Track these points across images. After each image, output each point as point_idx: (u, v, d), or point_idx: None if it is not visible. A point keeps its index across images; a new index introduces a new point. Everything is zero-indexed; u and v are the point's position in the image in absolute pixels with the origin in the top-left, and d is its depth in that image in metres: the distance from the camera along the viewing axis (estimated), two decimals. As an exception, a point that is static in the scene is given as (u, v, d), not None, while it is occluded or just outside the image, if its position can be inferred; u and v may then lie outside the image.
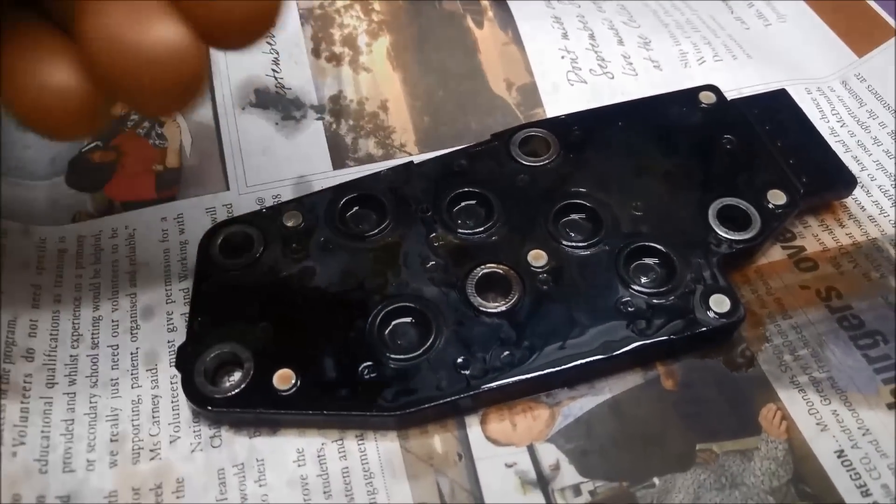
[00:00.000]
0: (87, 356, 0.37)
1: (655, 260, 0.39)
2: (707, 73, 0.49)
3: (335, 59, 0.49)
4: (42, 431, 0.35)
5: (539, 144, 0.43)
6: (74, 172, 0.44)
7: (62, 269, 0.40)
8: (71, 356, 0.37)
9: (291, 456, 0.35)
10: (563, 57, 0.49)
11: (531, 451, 0.35)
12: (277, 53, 0.49)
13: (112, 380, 0.36)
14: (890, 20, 0.50)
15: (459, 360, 0.35)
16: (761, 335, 0.38)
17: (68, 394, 0.36)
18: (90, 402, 0.36)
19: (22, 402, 0.35)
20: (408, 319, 0.37)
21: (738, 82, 0.48)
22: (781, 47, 0.51)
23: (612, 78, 0.48)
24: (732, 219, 0.40)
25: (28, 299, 0.39)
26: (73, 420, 0.35)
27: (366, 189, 0.41)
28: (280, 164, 0.44)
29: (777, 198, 0.40)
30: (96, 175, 0.44)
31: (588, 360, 0.36)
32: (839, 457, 0.34)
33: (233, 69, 0.48)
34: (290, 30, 0.51)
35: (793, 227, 0.42)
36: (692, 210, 0.40)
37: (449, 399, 0.35)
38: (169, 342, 0.38)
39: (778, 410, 0.35)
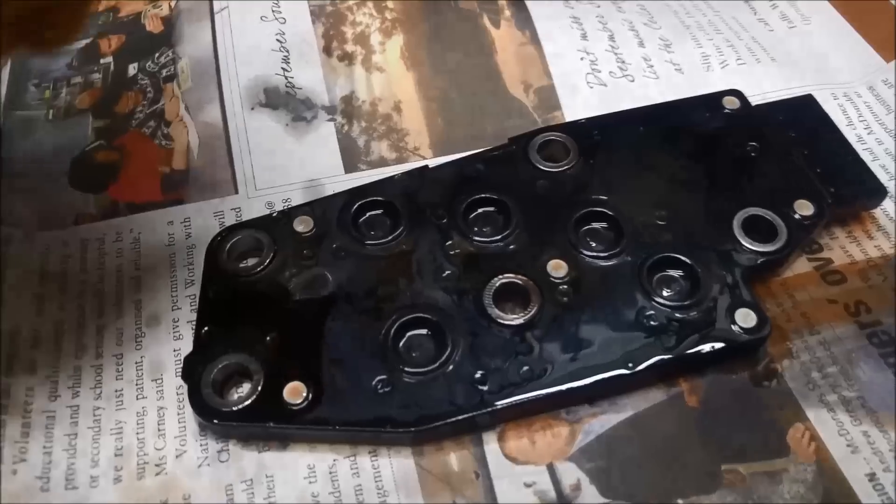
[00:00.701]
0: (91, 367, 0.36)
1: (679, 272, 0.37)
2: (730, 76, 0.48)
3: (347, 57, 0.48)
4: (44, 447, 0.34)
5: (558, 149, 0.42)
6: (77, 172, 0.43)
7: (66, 276, 0.39)
8: (75, 367, 0.36)
9: (302, 472, 0.33)
10: (582, 59, 0.48)
11: (551, 469, 0.34)
12: (287, 52, 0.48)
13: (116, 391, 0.35)
14: (918, 25, 0.49)
15: (477, 374, 0.34)
16: (787, 351, 0.37)
17: (71, 407, 0.35)
18: (94, 415, 0.35)
19: (24, 417, 0.34)
20: (423, 331, 0.36)
21: (762, 87, 0.47)
22: (806, 51, 0.50)
23: (633, 81, 0.47)
24: (758, 230, 0.38)
25: (31, 309, 0.38)
26: (76, 434, 0.34)
27: (379, 194, 0.40)
28: (290, 167, 0.43)
29: (804, 208, 0.39)
30: (100, 175, 0.43)
31: (609, 374, 0.35)
32: (870, 480, 0.33)
33: (241, 68, 0.47)
34: (300, 27, 0.49)
35: (819, 238, 0.40)
36: (716, 220, 0.39)
37: (466, 415, 0.34)
38: (175, 351, 0.36)
39: (806, 430, 0.34)
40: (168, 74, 0.48)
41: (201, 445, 0.34)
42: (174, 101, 0.46)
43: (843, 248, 0.40)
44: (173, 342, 0.37)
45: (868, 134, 0.45)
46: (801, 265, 0.40)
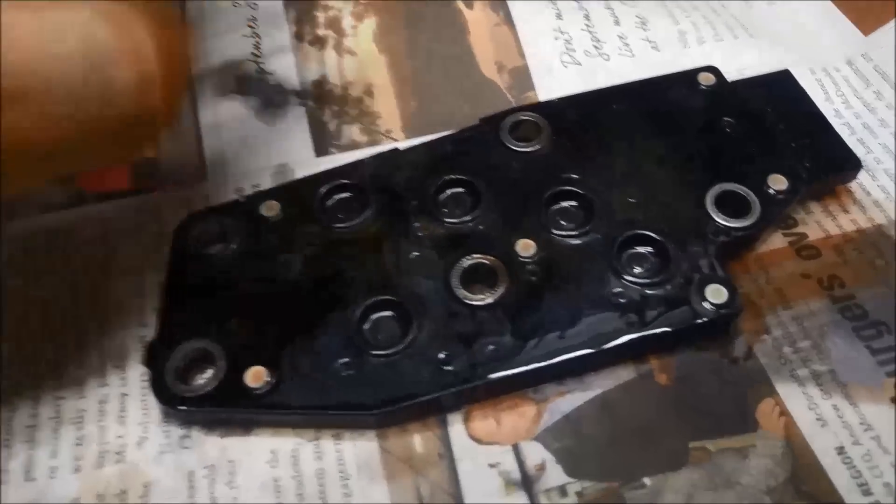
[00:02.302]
0: (53, 358, 0.36)
1: (650, 249, 0.37)
2: (707, 53, 0.47)
3: (319, 42, 0.48)
4: (5, 440, 0.33)
5: (530, 129, 0.41)
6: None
7: (35, 264, 0.39)
8: (36, 357, 0.36)
9: (264, 457, 0.33)
10: (556, 38, 0.48)
11: (516, 450, 0.33)
12: (259, 38, 0.48)
13: (78, 379, 0.35)
14: (898, -3, 0.49)
15: (442, 355, 0.34)
16: (760, 327, 0.36)
17: (32, 399, 0.35)
18: (55, 405, 0.34)
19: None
20: (389, 313, 0.35)
21: (740, 63, 0.46)
22: (785, 27, 0.49)
23: (608, 59, 0.47)
24: (731, 205, 0.38)
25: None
26: (35, 426, 0.34)
27: (347, 177, 0.39)
28: (261, 153, 0.43)
29: (778, 183, 0.38)
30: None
31: (578, 353, 0.34)
32: (839, 454, 0.33)
33: (212, 55, 0.47)
34: (272, 12, 0.49)
35: (795, 213, 0.40)
36: (689, 197, 0.38)
37: (431, 396, 0.33)
38: (140, 338, 0.36)
39: (776, 405, 0.34)
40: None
41: (164, 432, 0.34)
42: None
43: (819, 223, 0.40)
44: (139, 329, 0.36)
45: (846, 108, 0.45)
46: (776, 240, 0.39)
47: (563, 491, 0.32)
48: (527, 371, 0.34)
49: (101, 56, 0.26)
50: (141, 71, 0.27)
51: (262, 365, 0.33)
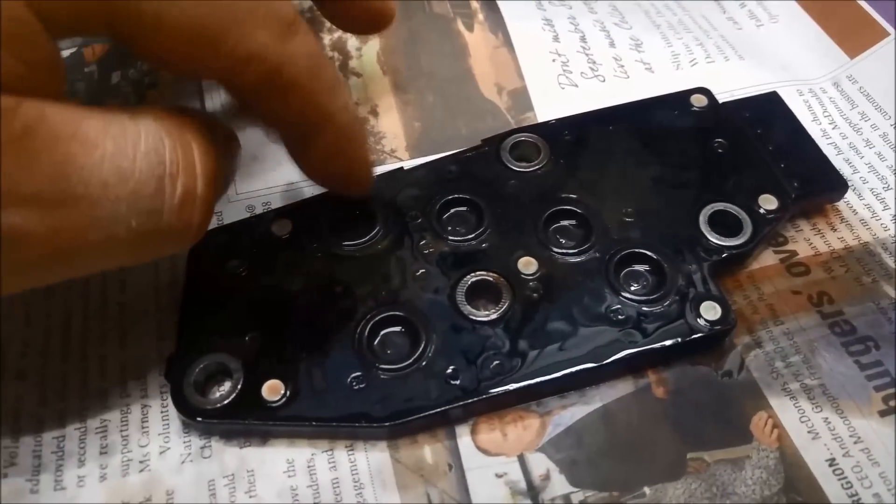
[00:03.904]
0: (78, 369, 0.37)
1: (646, 267, 0.39)
2: (699, 74, 0.49)
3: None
4: (34, 451, 0.35)
5: (529, 150, 0.43)
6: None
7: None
8: (61, 371, 0.37)
9: (281, 467, 0.34)
10: (553, 60, 0.49)
11: (521, 460, 0.35)
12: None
13: (101, 390, 0.36)
14: (882, 21, 0.50)
15: (449, 370, 0.35)
16: (753, 341, 0.38)
17: (59, 410, 0.36)
18: (80, 416, 0.36)
19: (13, 424, 0.35)
20: (397, 329, 0.37)
21: (731, 84, 0.48)
22: (773, 48, 0.51)
23: (604, 81, 0.48)
24: (724, 224, 0.39)
25: (20, 317, 0.39)
26: (63, 437, 0.35)
27: (355, 196, 0.41)
28: (270, 171, 0.44)
29: (768, 202, 0.40)
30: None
31: (578, 368, 0.36)
32: (830, 465, 0.34)
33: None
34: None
35: (785, 231, 0.42)
36: (683, 215, 0.40)
37: (439, 409, 0.35)
38: (159, 352, 0.37)
39: (769, 418, 0.35)
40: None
41: (184, 442, 0.35)
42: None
43: (808, 241, 0.41)
44: (157, 342, 0.38)
45: (833, 129, 0.46)
46: (767, 257, 0.41)
47: (567, 500, 0.33)
48: (530, 385, 0.35)
49: (161, 169, 0.28)
50: (189, 187, 0.28)
51: (278, 378, 0.35)
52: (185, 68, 0.31)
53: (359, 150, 0.36)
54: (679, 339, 0.36)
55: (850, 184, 0.42)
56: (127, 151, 0.27)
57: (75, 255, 0.27)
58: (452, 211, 0.41)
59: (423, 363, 0.35)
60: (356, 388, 0.35)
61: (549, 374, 0.35)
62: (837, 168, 0.42)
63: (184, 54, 0.29)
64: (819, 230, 0.42)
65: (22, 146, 0.25)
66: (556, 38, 0.50)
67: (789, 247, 0.41)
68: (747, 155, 0.42)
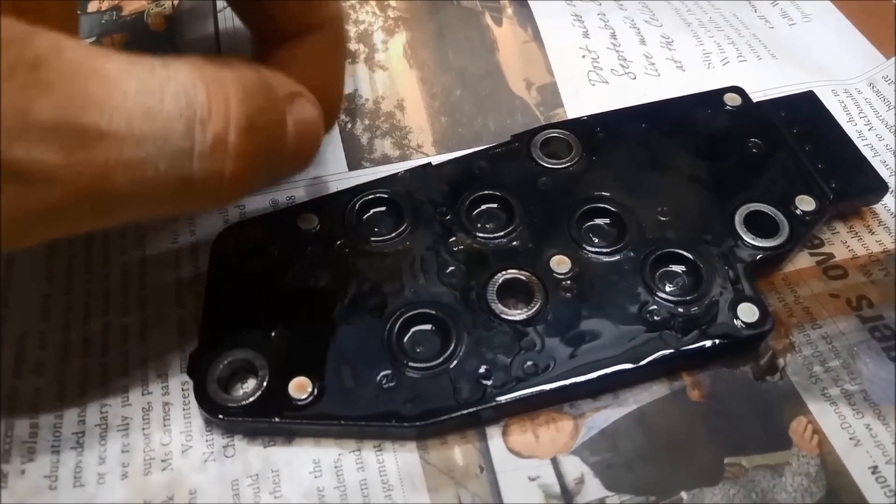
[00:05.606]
0: (98, 364, 0.36)
1: (682, 267, 0.38)
2: (731, 73, 0.48)
3: (350, 56, 0.48)
4: (52, 446, 0.34)
5: (560, 146, 0.42)
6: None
7: (71, 274, 0.39)
8: (82, 366, 0.36)
9: (307, 467, 0.34)
10: (584, 56, 0.48)
11: (555, 463, 0.34)
12: (291, 51, 0.48)
13: (122, 387, 0.35)
14: (918, 21, 0.49)
15: (481, 369, 0.34)
16: (790, 345, 0.37)
17: (79, 405, 0.35)
18: (101, 412, 0.35)
19: (31, 418, 0.34)
20: (427, 327, 0.36)
21: (763, 83, 0.47)
22: (807, 47, 0.50)
23: (635, 78, 0.47)
24: (760, 225, 0.39)
25: (38, 311, 0.38)
26: (83, 432, 0.34)
27: (383, 191, 0.40)
28: (294, 165, 0.43)
29: (806, 204, 0.39)
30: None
31: (612, 369, 0.35)
32: (873, 473, 0.33)
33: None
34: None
35: (821, 233, 0.41)
36: (718, 216, 0.39)
37: (470, 410, 0.34)
38: (180, 347, 0.36)
39: (809, 424, 0.35)
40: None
41: (207, 441, 0.34)
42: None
43: (845, 243, 0.40)
44: (178, 338, 0.37)
45: (869, 130, 0.45)
46: (802, 260, 0.40)
47: (602, 504, 0.33)
48: (563, 386, 0.34)
49: (190, 111, 0.27)
50: (220, 134, 0.27)
51: (305, 375, 0.34)
52: None
53: (341, 62, 0.38)
54: (716, 341, 0.35)
55: (888, 186, 0.41)
56: (153, 91, 0.26)
57: (102, 199, 0.26)
58: (482, 208, 0.40)
59: (454, 362, 0.35)
60: (385, 386, 0.34)
61: (584, 374, 0.34)
62: (876, 170, 0.41)
63: None
64: (856, 232, 0.41)
65: (35, 76, 0.24)
66: (585, 35, 0.49)
67: (826, 249, 0.40)
68: (783, 155, 0.41)
